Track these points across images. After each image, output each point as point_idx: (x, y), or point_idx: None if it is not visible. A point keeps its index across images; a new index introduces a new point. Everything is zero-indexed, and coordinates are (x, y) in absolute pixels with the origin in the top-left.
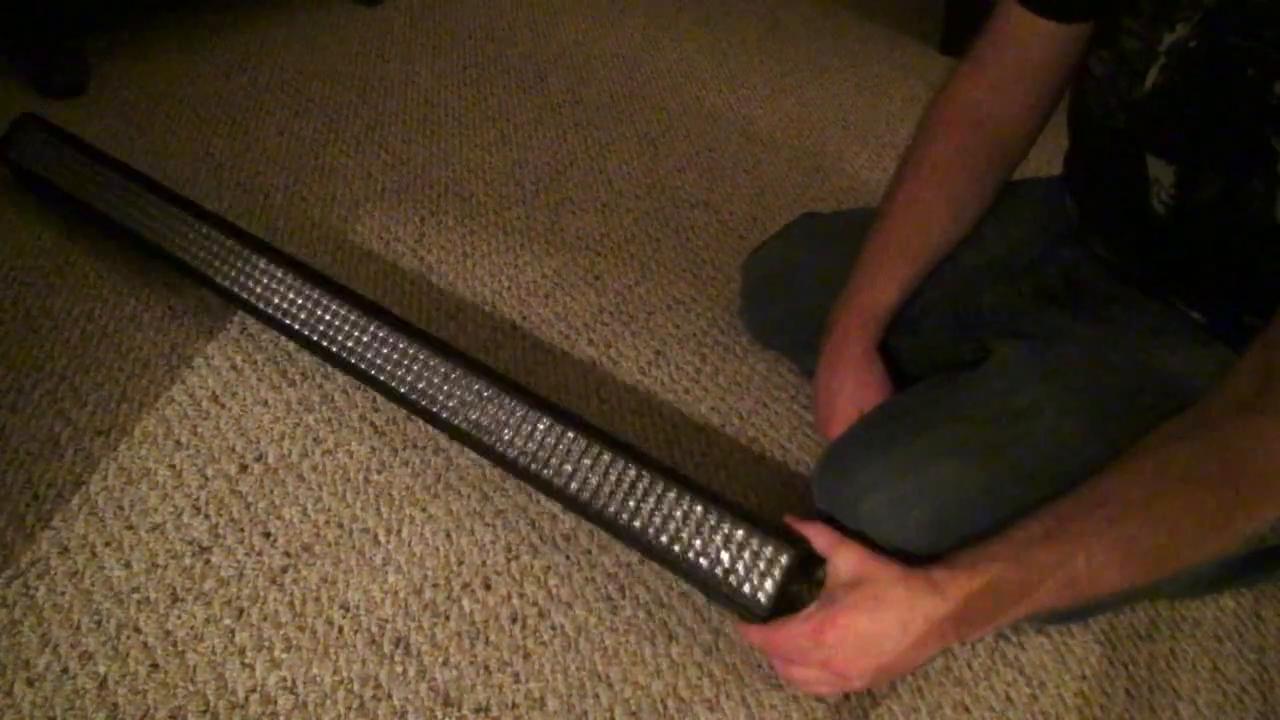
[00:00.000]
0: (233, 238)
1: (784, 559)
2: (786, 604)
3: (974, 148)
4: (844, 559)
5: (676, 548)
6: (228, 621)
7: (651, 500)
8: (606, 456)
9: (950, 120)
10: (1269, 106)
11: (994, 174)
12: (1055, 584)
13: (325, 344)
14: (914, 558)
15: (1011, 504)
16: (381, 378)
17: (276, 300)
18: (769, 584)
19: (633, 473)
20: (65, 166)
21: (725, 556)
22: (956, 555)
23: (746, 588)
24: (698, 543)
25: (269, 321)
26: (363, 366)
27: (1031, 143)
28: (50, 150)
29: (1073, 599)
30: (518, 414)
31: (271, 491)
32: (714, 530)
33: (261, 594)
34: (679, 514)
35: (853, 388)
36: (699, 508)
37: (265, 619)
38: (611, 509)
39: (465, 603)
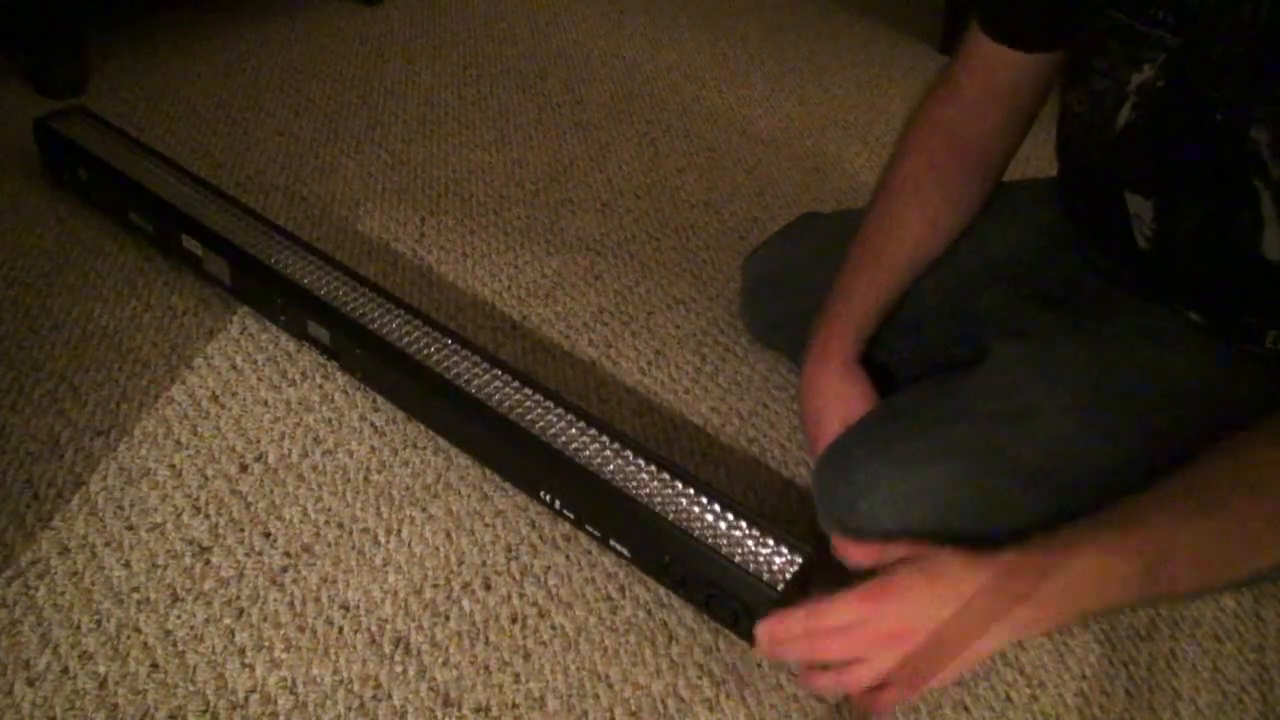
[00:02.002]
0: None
1: (799, 557)
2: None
3: (948, 165)
4: (897, 546)
5: (697, 533)
6: (228, 621)
7: (672, 494)
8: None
9: (923, 139)
10: (1246, 151)
11: (970, 188)
12: (1133, 574)
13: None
14: None
15: (1011, 504)
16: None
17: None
18: (786, 575)
19: (654, 468)
20: (112, 147)
21: (744, 547)
22: (1027, 539)
23: (765, 575)
24: (721, 527)
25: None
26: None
27: (1010, 157)
28: (96, 130)
29: (1145, 594)
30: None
31: (271, 491)
32: (733, 526)
33: (261, 594)
34: (697, 509)
35: (836, 405)
36: (717, 505)
37: (265, 619)
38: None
39: (465, 603)
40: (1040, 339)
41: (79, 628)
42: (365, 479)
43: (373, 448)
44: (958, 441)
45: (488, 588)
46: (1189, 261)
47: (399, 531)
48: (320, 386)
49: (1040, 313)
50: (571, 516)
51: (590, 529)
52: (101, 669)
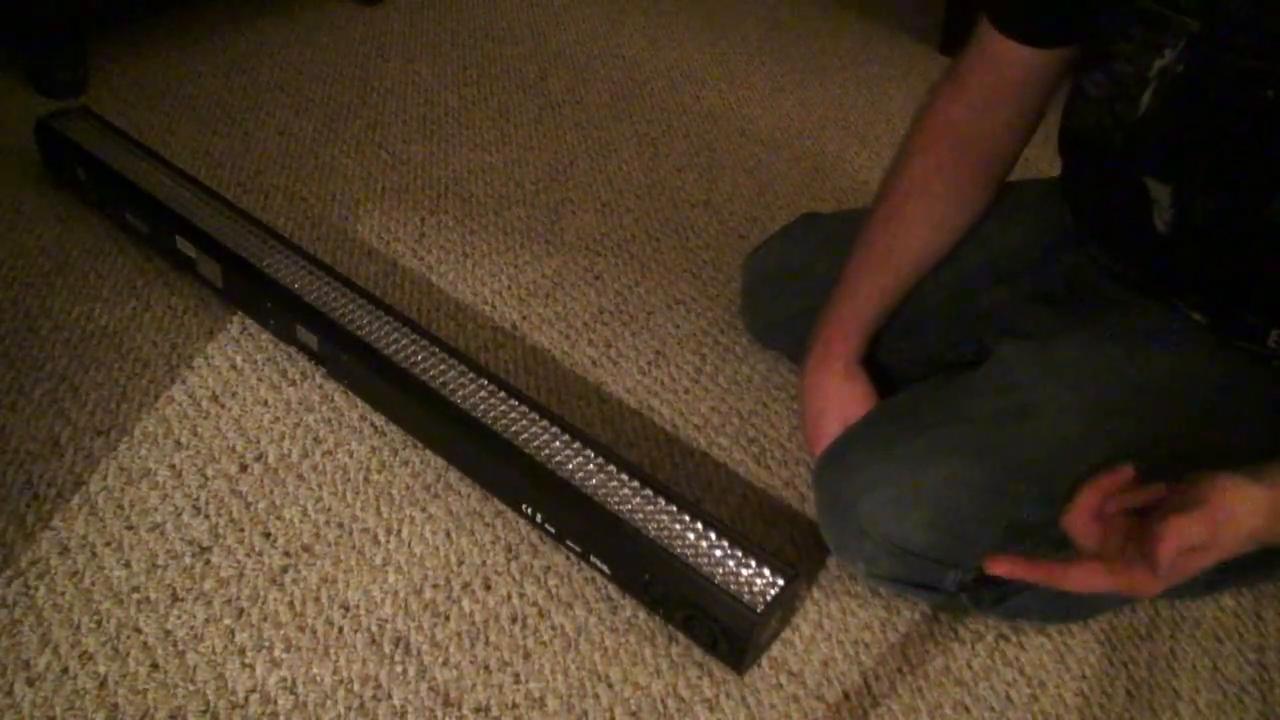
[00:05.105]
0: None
1: (781, 579)
2: (769, 628)
3: (954, 164)
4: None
5: (677, 552)
6: (228, 621)
7: (659, 513)
8: (626, 475)
9: (930, 139)
10: None
11: (976, 188)
12: None
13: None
14: (914, 556)
15: (1011, 504)
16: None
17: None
18: (767, 596)
19: (648, 490)
20: (111, 148)
21: (724, 567)
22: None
23: (745, 597)
24: (703, 546)
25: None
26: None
27: (1016, 157)
28: (96, 131)
29: None
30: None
31: (271, 491)
32: (714, 545)
33: (261, 594)
34: (678, 527)
35: (837, 405)
36: (700, 523)
37: (265, 619)
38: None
39: (465, 603)
40: (1042, 339)
41: (79, 628)
42: (365, 479)
43: (373, 448)
44: (959, 442)
45: (488, 588)
46: (1206, 247)
47: (399, 531)
48: (320, 386)
49: (1042, 312)
50: (553, 531)
51: (570, 544)
52: (101, 669)
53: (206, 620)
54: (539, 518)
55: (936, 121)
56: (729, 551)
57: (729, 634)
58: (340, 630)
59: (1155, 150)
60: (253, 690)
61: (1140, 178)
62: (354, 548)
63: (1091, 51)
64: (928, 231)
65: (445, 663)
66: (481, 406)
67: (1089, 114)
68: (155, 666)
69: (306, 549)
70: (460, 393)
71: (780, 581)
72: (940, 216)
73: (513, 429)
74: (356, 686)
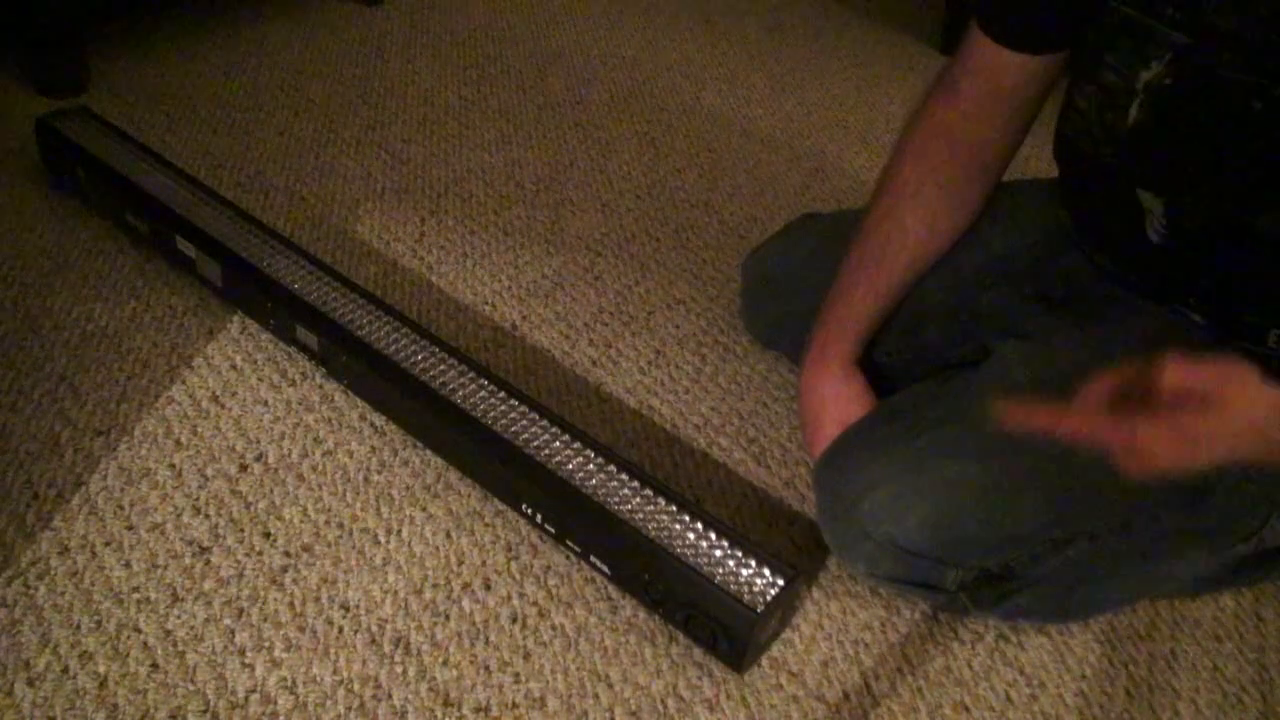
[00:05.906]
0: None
1: (781, 579)
2: (769, 628)
3: (947, 168)
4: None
5: (677, 552)
6: (228, 621)
7: (659, 512)
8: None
9: (922, 143)
10: None
11: (971, 191)
12: None
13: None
14: (914, 556)
15: (1011, 503)
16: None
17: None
18: (767, 596)
19: (648, 490)
20: (111, 148)
21: (724, 567)
22: None
23: (745, 597)
24: (703, 546)
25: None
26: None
27: (1009, 159)
28: (96, 131)
29: None
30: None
31: (271, 491)
32: (714, 545)
33: (261, 594)
34: (678, 527)
35: (833, 406)
36: (699, 523)
37: (265, 619)
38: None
39: (465, 603)
40: (1042, 339)
41: (79, 628)
42: (365, 479)
43: (373, 448)
44: (959, 442)
45: (488, 588)
46: (1201, 255)
47: (399, 531)
48: (320, 386)
49: (1041, 313)
50: (553, 531)
51: (570, 544)
52: (101, 669)
53: (206, 620)
54: (539, 518)
55: (930, 125)
56: (729, 551)
57: (729, 634)
58: (340, 630)
59: (1145, 163)
60: (253, 690)
61: (1132, 189)
62: (354, 548)
63: (1080, 63)
64: (922, 234)
65: (445, 663)
66: (481, 406)
67: (1079, 125)
68: (155, 666)
69: (306, 549)
70: (460, 393)
71: (780, 581)
72: (934, 219)
73: (513, 429)
74: (356, 686)
